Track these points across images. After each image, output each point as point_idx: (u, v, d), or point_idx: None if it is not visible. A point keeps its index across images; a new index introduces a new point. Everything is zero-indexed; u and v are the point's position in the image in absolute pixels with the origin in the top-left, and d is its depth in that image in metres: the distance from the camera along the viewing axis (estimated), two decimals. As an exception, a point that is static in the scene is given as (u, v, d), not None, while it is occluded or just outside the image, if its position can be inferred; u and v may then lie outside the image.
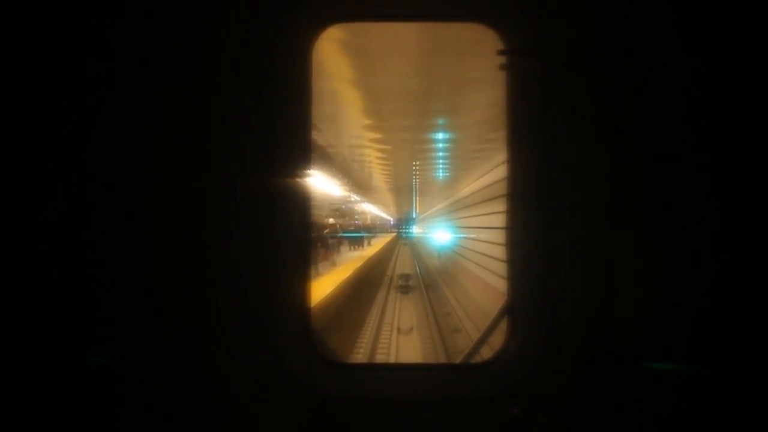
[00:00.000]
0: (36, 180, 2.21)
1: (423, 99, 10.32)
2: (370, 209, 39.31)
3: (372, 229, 37.66)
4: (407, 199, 42.29)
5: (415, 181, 30.75)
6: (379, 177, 26.10)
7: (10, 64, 2.25)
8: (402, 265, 34.14)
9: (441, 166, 21.08)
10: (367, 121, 12.76)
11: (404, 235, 60.27)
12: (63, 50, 2.30)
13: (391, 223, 63.91)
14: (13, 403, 2.19)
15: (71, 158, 2.25)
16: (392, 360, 12.10)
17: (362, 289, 16.70)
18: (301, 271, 2.32)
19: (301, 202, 2.32)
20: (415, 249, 51.59)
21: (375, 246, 31.98)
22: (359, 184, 25.92)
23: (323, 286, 10.93)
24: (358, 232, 29.50)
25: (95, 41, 2.31)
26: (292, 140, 2.31)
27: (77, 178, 2.22)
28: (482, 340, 2.71)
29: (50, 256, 2.21)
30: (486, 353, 2.61)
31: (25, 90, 2.27)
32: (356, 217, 34.78)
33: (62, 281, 2.27)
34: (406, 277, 24.83)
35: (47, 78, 2.30)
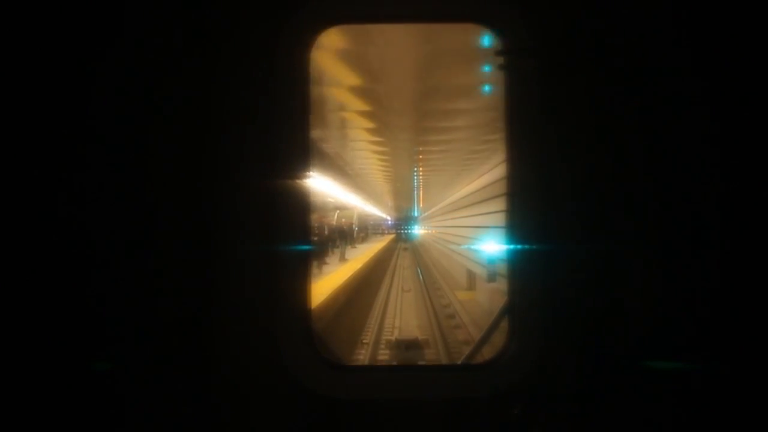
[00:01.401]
0: (37, 184, 2.55)
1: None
2: (353, 203, 33.98)
3: (350, 233, 30.65)
4: (407, 192, 39.02)
5: (417, 178, 28.15)
6: (367, 157, 21.31)
7: (9, 63, 2.75)
8: (398, 306, 20.91)
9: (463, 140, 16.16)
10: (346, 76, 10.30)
11: (405, 235, 58.19)
12: (62, 51, 2.78)
13: (389, 222, 62.56)
14: (18, 408, 2.58)
15: (73, 163, 2.69)
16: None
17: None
18: (301, 273, 2.72)
19: (301, 203, 2.69)
20: (421, 260, 38.81)
21: (352, 264, 20.97)
22: (335, 166, 20.88)
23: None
24: (326, 241, 21.52)
25: (94, 42, 2.81)
26: (292, 142, 2.71)
27: (79, 183, 2.59)
28: (483, 341, 3.09)
29: (52, 260, 2.64)
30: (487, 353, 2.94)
31: (24, 90, 2.78)
32: (331, 213, 28.39)
33: (64, 287, 2.83)
34: (410, 352, 12.35)
35: (46, 78, 2.78)
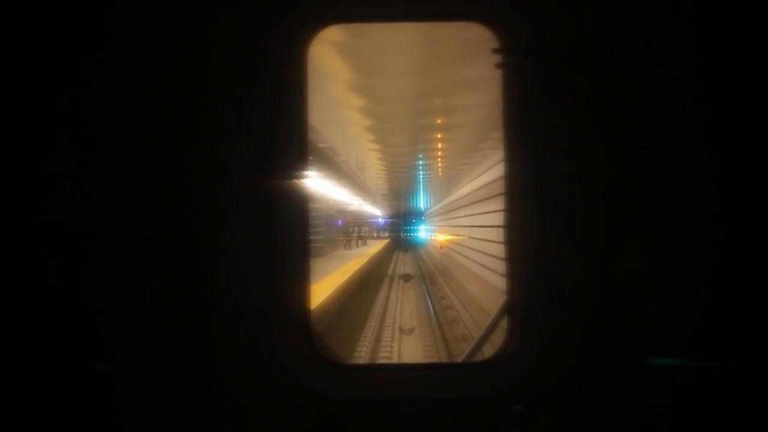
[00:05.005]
0: (35, 183, 2.73)
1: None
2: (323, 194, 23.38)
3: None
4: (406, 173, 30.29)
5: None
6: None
7: (8, 64, 2.89)
8: None
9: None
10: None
11: (405, 241, 49.18)
12: (58, 50, 2.92)
13: (380, 222, 53.36)
14: (18, 408, 2.89)
15: (71, 162, 2.79)
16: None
17: None
18: (300, 273, 2.86)
19: (299, 202, 2.84)
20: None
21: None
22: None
23: None
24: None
25: (91, 42, 2.96)
26: (290, 141, 2.87)
27: (77, 183, 2.79)
28: (483, 340, 3.24)
29: (51, 262, 2.81)
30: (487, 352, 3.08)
31: (22, 90, 2.92)
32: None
33: (64, 288, 2.97)
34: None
35: (43, 78, 2.93)
